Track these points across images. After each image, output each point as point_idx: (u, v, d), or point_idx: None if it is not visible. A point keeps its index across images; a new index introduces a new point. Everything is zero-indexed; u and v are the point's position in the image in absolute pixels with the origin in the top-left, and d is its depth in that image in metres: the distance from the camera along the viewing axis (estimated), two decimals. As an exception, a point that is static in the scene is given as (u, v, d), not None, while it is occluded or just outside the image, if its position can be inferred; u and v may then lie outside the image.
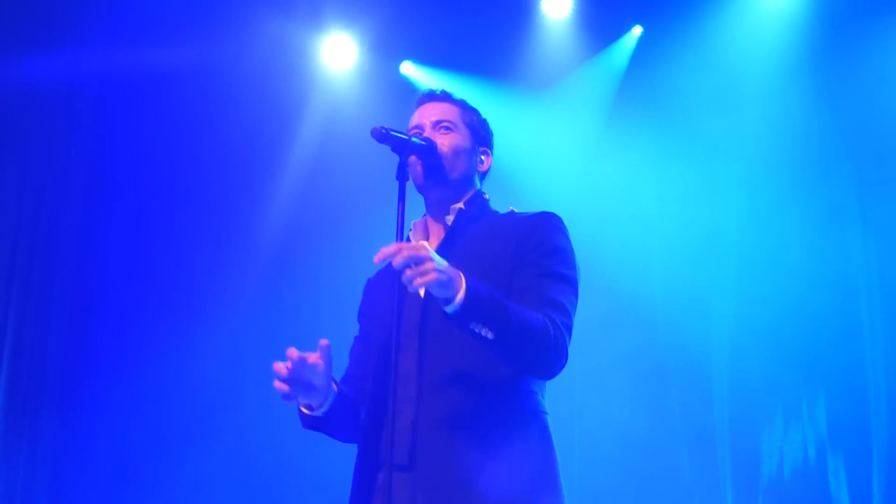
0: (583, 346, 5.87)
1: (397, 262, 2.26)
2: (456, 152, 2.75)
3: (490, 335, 2.35)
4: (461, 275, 2.34)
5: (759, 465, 5.60)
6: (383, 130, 2.51)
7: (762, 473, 5.58)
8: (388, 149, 2.56)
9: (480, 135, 2.84)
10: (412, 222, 2.81)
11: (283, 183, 6.49)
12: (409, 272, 2.26)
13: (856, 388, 5.46)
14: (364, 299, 2.91)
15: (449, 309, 2.34)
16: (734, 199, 5.98)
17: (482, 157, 2.84)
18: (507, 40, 6.44)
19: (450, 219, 2.75)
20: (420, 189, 2.77)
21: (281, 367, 2.48)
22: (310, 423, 2.66)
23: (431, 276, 2.26)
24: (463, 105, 2.86)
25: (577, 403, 5.99)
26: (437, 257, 2.31)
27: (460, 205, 2.74)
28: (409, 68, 6.63)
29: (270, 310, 6.30)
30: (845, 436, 5.44)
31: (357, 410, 2.69)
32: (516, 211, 2.79)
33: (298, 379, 2.51)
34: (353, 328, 2.92)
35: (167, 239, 6.36)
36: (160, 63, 6.18)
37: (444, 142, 2.75)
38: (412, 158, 2.64)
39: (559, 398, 5.38)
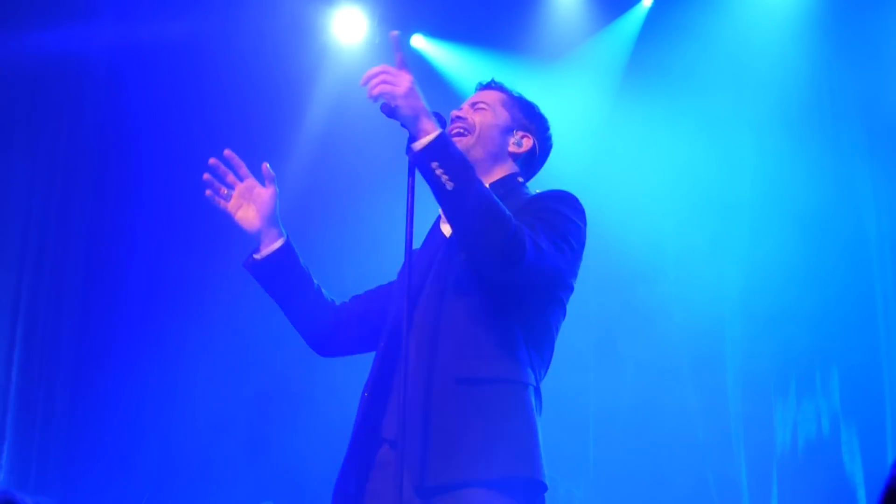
0: (593, 318, 5.92)
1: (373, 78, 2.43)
2: (481, 128, 2.71)
3: (449, 185, 2.34)
4: (440, 129, 2.39)
5: (772, 437, 5.60)
6: (392, 105, 2.46)
7: (776, 445, 5.58)
8: (398, 123, 2.53)
9: (519, 118, 2.79)
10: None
11: (293, 157, 6.47)
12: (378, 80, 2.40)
13: (869, 360, 5.45)
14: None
15: (416, 145, 2.37)
16: (746, 168, 5.95)
17: (521, 139, 2.77)
18: (517, 12, 6.40)
19: None
20: None
21: (214, 161, 2.72)
22: (247, 263, 2.74)
23: (395, 89, 2.38)
24: (509, 92, 2.83)
25: (590, 377, 5.99)
26: (419, 92, 2.39)
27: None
28: (419, 41, 6.60)
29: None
30: (859, 408, 5.44)
31: (320, 295, 2.75)
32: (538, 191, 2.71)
33: (242, 193, 2.75)
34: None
35: (180, 216, 6.34)
36: (171, 36, 6.14)
37: (473, 118, 2.73)
38: None
39: (571, 372, 5.41)
